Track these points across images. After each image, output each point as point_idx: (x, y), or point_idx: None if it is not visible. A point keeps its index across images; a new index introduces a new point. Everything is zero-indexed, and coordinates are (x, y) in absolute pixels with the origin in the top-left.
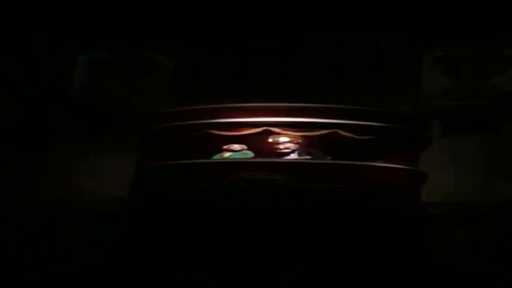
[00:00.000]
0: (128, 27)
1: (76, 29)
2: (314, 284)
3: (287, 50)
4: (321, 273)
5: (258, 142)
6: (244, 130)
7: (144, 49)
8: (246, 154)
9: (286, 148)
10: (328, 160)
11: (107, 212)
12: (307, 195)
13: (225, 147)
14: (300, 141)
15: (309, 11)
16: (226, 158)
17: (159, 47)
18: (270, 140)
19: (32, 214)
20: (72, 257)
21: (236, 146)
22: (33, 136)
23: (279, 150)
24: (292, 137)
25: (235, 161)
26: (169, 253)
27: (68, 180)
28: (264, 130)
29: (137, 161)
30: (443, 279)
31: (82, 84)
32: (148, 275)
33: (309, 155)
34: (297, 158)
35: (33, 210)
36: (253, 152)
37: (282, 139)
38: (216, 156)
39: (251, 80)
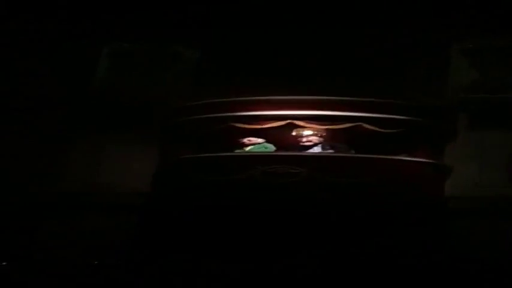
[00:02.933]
0: (151, 19)
1: (100, 21)
2: (336, 275)
3: (313, 43)
4: (343, 266)
5: (281, 135)
6: (268, 123)
7: (167, 41)
8: (267, 147)
9: (310, 141)
10: (352, 154)
11: (129, 204)
12: (330, 188)
13: (243, 140)
14: (324, 134)
15: (334, 2)
16: (249, 152)
17: (182, 39)
18: (294, 133)
19: (55, 206)
20: (94, 249)
21: (256, 139)
22: (56, 128)
23: (302, 144)
24: (316, 130)
25: (258, 155)
26: (190, 246)
27: (90, 172)
28: (288, 123)
29: (159, 154)
30: (466, 273)
31: (105, 76)
32: (169, 268)
33: (332, 148)
34: (320, 151)
35: (56, 202)
36: (277, 145)
37: (306, 132)
38: (238, 150)
39: (275, 73)
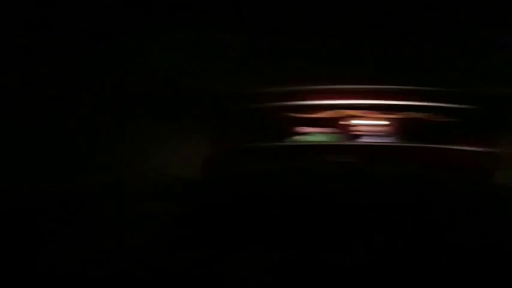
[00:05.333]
0: (207, 8)
1: (155, 10)
2: (389, 265)
3: (372, 32)
4: (396, 256)
5: (337, 125)
6: (325, 113)
7: (223, 30)
8: (323, 137)
9: (366, 131)
10: (408, 143)
11: (183, 192)
12: (385, 178)
13: (299, 130)
14: (381, 123)
15: None
16: (303, 141)
17: (238, 28)
18: (350, 122)
19: (108, 193)
20: (143, 237)
21: (315, 129)
22: (111, 116)
23: (358, 133)
24: (373, 120)
25: (313, 144)
26: (242, 235)
27: (144, 160)
28: (346, 113)
29: (213, 143)
30: None
31: (160, 64)
32: (221, 256)
33: (390, 137)
34: (376, 141)
35: (109, 190)
36: (331, 134)
37: (363, 122)
38: (293, 139)
39: (332, 62)
